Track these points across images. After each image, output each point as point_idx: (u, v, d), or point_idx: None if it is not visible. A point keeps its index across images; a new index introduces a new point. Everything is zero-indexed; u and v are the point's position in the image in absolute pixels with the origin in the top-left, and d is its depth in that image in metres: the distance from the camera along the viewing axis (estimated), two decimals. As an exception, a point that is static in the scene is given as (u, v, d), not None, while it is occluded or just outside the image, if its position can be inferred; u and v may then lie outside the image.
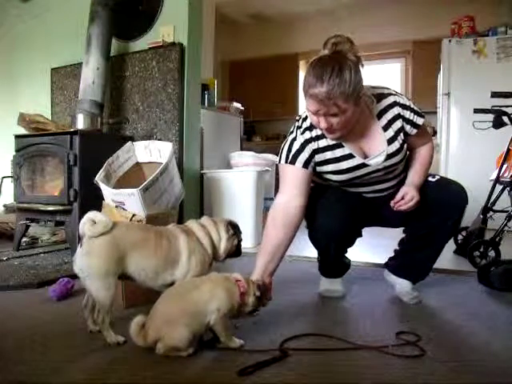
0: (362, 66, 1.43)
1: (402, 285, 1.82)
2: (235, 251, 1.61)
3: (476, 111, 2.72)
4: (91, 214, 1.38)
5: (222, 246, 1.56)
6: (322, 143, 1.59)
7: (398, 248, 1.89)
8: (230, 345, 1.27)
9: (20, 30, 3.90)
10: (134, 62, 3.23)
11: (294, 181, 1.59)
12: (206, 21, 3.66)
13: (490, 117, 2.67)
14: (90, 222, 1.36)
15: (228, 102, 4.49)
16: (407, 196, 1.60)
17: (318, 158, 1.61)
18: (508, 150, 2.64)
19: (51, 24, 3.70)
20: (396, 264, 1.87)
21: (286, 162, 1.60)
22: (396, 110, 1.59)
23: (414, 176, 1.68)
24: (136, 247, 1.40)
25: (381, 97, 1.60)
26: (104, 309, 1.33)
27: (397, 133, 1.59)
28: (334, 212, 1.66)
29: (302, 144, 1.59)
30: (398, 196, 1.62)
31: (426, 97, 5.12)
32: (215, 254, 1.56)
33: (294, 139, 1.61)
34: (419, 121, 1.60)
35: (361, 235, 1.87)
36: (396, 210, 1.62)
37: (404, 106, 1.59)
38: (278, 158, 1.65)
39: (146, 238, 1.43)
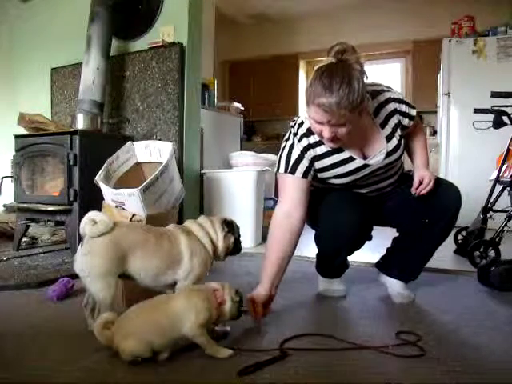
0: (367, 76, 1.41)
1: (393, 286, 1.82)
2: (234, 248, 1.60)
3: (476, 111, 2.72)
4: (92, 214, 1.38)
5: (220, 245, 1.56)
6: (321, 150, 1.58)
7: (389, 246, 1.88)
8: (217, 355, 1.22)
9: (20, 30, 3.90)
10: (134, 62, 3.23)
11: (294, 191, 1.58)
12: (205, 21, 3.66)
13: (490, 117, 2.67)
14: (90, 222, 1.36)
15: (228, 102, 4.48)
16: (425, 179, 1.63)
17: (318, 165, 1.60)
18: (508, 149, 2.64)
19: (51, 24, 3.70)
20: (387, 263, 1.87)
21: (286, 171, 1.59)
22: (392, 106, 1.60)
23: (421, 157, 1.73)
24: (137, 247, 1.40)
25: (374, 94, 1.60)
26: (104, 308, 1.33)
27: (394, 129, 1.60)
28: (348, 215, 1.63)
29: (301, 151, 1.58)
30: (416, 183, 1.64)
31: (426, 97, 5.13)
32: (215, 252, 1.56)
33: (292, 146, 1.59)
34: (413, 112, 1.64)
35: (370, 238, 1.85)
36: (402, 205, 1.70)
37: (399, 101, 1.62)
38: (277, 166, 1.63)
39: (147, 239, 1.43)
